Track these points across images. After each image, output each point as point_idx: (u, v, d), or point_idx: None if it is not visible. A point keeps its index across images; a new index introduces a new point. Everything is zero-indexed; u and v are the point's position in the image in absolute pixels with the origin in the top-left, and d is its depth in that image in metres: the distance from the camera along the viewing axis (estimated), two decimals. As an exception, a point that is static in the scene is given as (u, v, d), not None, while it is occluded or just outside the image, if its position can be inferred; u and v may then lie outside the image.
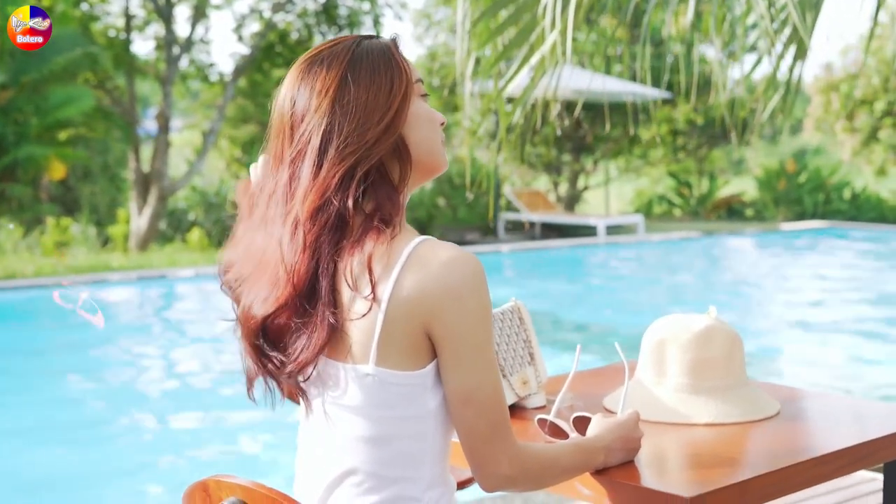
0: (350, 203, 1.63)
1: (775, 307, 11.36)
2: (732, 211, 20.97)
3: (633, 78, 15.94)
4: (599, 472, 1.87)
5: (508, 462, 1.69)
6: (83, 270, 12.32)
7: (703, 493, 1.77)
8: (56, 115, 14.18)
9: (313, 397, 1.71)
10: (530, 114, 4.77)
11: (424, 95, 1.76)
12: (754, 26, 4.68)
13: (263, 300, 1.66)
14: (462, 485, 2.29)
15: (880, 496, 3.78)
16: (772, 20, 4.11)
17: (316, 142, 1.65)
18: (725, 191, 22.42)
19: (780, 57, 4.19)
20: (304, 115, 1.67)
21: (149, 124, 19.84)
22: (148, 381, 8.04)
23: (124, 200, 17.20)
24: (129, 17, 16.54)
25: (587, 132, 18.95)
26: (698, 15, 4.47)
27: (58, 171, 14.54)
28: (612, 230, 17.14)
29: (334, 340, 1.65)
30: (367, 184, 1.66)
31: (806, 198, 19.91)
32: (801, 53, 4.21)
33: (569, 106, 18.07)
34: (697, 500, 1.75)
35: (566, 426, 2.03)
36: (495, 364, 1.68)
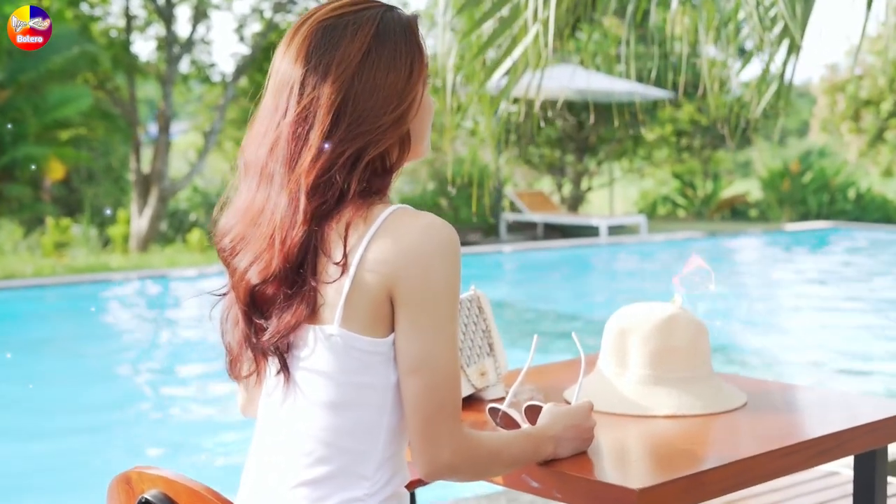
0: (353, 184, 1.61)
1: (777, 307, 11.28)
2: (736, 211, 20.88)
3: (636, 77, 15.87)
4: (548, 464, 1.80)
5: (451, 450, 1.62)
6: (82, 271, 12.29)
7: (652, 486, 1.70)
8: (54, 114, 14.16)
9: (282, 364, 1.68)
10: (527, 110, 4.71)
11: (427, 82, 1.74)
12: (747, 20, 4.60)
13: (256, 265, 1.63)
14: (412, 485, 2.20)
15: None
16: (760, 17, 4.04)
17: (328, 111, 1.61)
18: (729, 191, 22.31)
19: (772, 53, 4.12)
20: (319, 79, 1.63)
21: (153, 128, 19.85)
22: (146, 381, 8.00)
23: (127, 202, 17.18)
24: (129, 18, 16.52)
25: (590, 133, 18.88)
26: (692, 6, 4.41)
27: (57, 171, 14.52)
28: (615, 230, 17.06)
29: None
30: (371, 169, 1.64)
31: (810, 198, 19.80)
32: (793, 49, 4.14)
33: (570, 107, 18.01)
34: (646, 493, 1.68)
35: (518, 416, 1.96)
36: (455, 342, 1.62)
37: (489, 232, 16.91)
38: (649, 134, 20.18)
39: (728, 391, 2.18)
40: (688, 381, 2.14)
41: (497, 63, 4.23)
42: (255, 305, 1.66)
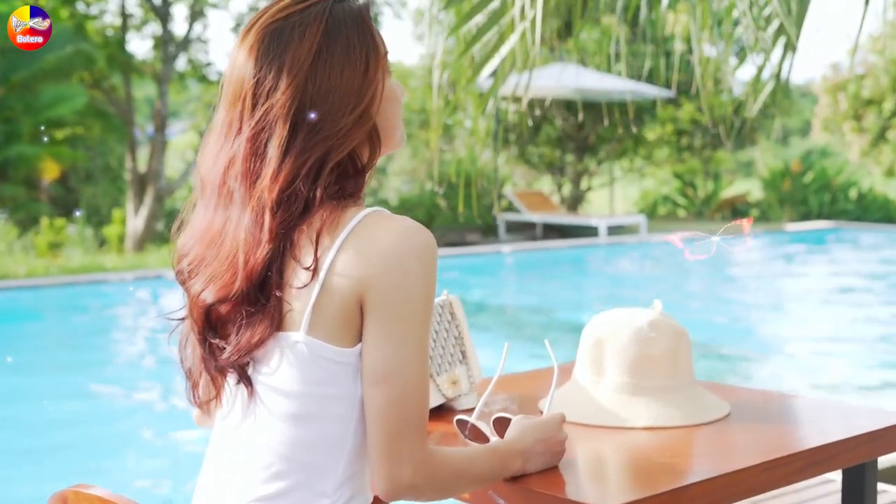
0: (319, 192, 1.53)
1: (774, 309, 11.18)
2: (737, 211, 20.75)
3: (631, 76, 15.76)
4: (516, 480, 1.71)
5: (413, 469, 1.52)
6: (76, 271, 12.20)
7: (627, 503, 1.60)
8: (47, 113, 14.07)
9: (242, 376, 1.59)
10: (519, 108, 4.64)
11: (389, 70, 1.66)
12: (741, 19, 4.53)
13: (213, 285, 1.55)
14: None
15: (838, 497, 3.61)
16: (754, 17, 3.96)
17: (284, 122, 1.53)
18: (730, 191, 22.19)
19: (769, 51, 4.05)
20: (270, 87, 1.54)
21: (152, 127, 19.79)
22: (138, 383, 7.91)
23: (125, 201, 17.10)
24: (125, 16, 16.44)
25: (590, 132, 18.77)
26: (687, 2, 4.32)
27: (51, 170, 14.43)
28: (614, 231, 16.95)
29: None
30: (338, 172, 1.56)
31: (811, 198, 19.68)
32: (789, 47, 4.06)
33: (569, 105, 17.90)
34: (616, 512, 1.59)
35: (487, 429, 1.86)
36: (425, 353, 1.53)
37: (488, 232, 16.81)
38: (650, 133, 20.06)
39: (710, 401, 2.09)
40: (668, 390, 2.04)
41: (484, 60, 4.14)
42: (210, 325, 1.58)
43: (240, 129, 1.56)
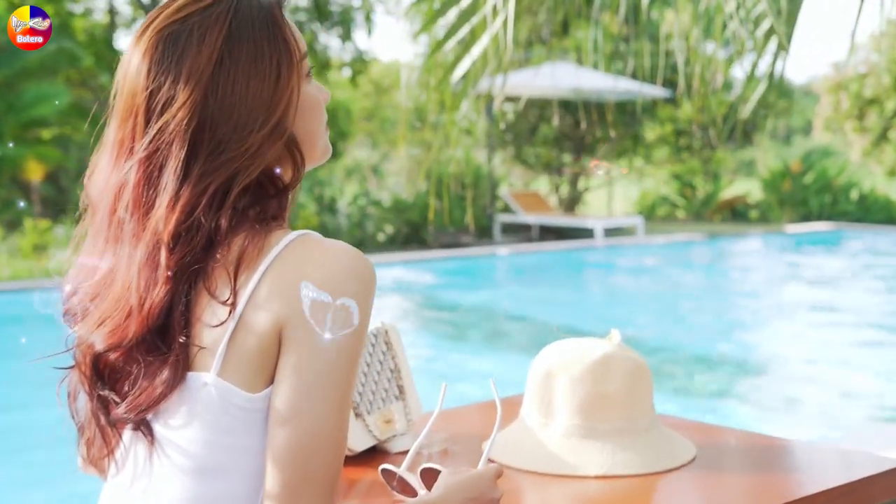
0: (223, 222, 1.31)
1: (772, 314, 10.97)
2: (736, 213, 20.52)
3: (633, 75, 15.59)
4: (438, 547, 1.48)
5: None
6: (64, 273, 11.99)
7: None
8: (29, 112, 13.83)
9: (140, 425, 1.39)
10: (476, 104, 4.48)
11: (309, 73, 1.44)
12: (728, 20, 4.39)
13: (103, 328, 1.34)
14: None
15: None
16: (741, 20, 3.81)
17: (181, 142, 1.31)
18: (730, 192, 21.94)
19: (759, 52, 3.91)
20: (164, 101, 1.32)
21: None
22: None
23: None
24: (112, 14, 16.22)
25: (587, 133, 18.55)
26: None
27: (35, 170, 14.19)
28: (611, 232, 16.72)
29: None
30: (248, 196, 1.35)
31: (812, 199, 19.44)
32: (781, 47, 3.92)
33: (566, 105, 17.70)
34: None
35: (415, 481, 1.64)
36: (347, 394, 1.30)
37: (483, 234, 16.59)
38: (649, 133, 19.85)
39: (673, 444, 1.86)
40: (624, 433, 1.82)
41: (456, 60, 3.97)
42: (99, 375, 1.37)
43: (131, 149, 1.34)
